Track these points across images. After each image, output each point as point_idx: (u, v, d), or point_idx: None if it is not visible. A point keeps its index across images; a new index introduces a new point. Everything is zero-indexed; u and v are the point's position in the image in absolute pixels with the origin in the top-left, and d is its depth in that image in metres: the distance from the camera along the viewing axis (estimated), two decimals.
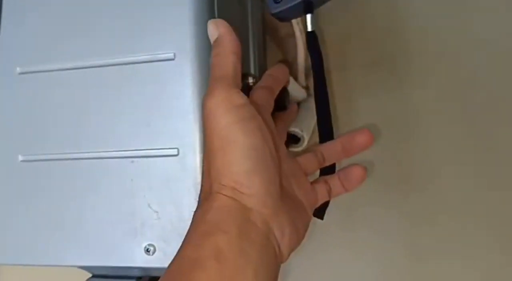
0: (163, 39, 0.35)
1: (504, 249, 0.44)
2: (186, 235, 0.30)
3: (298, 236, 0.33)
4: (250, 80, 0.39)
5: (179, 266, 0.28)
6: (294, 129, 0.46)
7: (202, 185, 0.32)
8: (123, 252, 0.34)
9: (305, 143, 0.46)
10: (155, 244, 0.34)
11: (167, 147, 0.34)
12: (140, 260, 0.34)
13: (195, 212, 0.31)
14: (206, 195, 0.31)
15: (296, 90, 0.47)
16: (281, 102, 0.39)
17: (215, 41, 0.33)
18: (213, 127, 0.30)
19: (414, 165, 0.47)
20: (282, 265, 0.32)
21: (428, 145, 0.47)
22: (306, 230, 0.35)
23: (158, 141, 0.34)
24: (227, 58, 0.32)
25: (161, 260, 0.34)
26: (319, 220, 0.39)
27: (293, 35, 0.46)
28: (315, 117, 0.39)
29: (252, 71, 0.45)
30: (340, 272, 0.47)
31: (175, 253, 0.30)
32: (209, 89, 0.31)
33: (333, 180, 0.38)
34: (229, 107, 0.30)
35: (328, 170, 0.40)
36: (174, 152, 0.34)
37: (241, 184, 0.30)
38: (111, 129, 0.35)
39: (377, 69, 0.49)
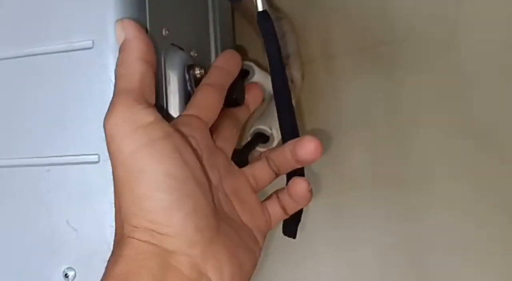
0: (79, 23, 0.29)
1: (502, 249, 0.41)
2: None
3: (243, 273, 0.27)
4: (197, 71, 0.33)
5: None
6: (262, 127, 0.40)
7: (115, 227, 0.26)
8: (38, 277, 0.29)
9: (276, 142, 0.40)
10: (75, 268, 0.29)
11: (87, 153, 0.29)
12: None
13: (107, 261, 0.25)
14: (118, 240, 0.25)
15: (265, 82, 0.41)
16: (231, 98, 0.33)
17: (120, 46, 0.27)
18: (116, 155, 0.25)
19: (406, 156, 0.43)
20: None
21: (418, 133, 0.43)
22: (255, 264, 0.28)
23: (76, 146, 0.29)
24: (133, 67, 0.26)
25: None
26: (309, 221, 0.33)
27: None
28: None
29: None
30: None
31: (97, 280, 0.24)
32: (109, 106, 0.26)
33: (284, 195, 0.32)
34: (133, 128, 0.25)
35: (297, 175, 0.33)
36: (95, 158, 0.29)
37: (158, 223, 0.24)
38: (20, 134, 0.30)
39: (363, 56, 0.45)
